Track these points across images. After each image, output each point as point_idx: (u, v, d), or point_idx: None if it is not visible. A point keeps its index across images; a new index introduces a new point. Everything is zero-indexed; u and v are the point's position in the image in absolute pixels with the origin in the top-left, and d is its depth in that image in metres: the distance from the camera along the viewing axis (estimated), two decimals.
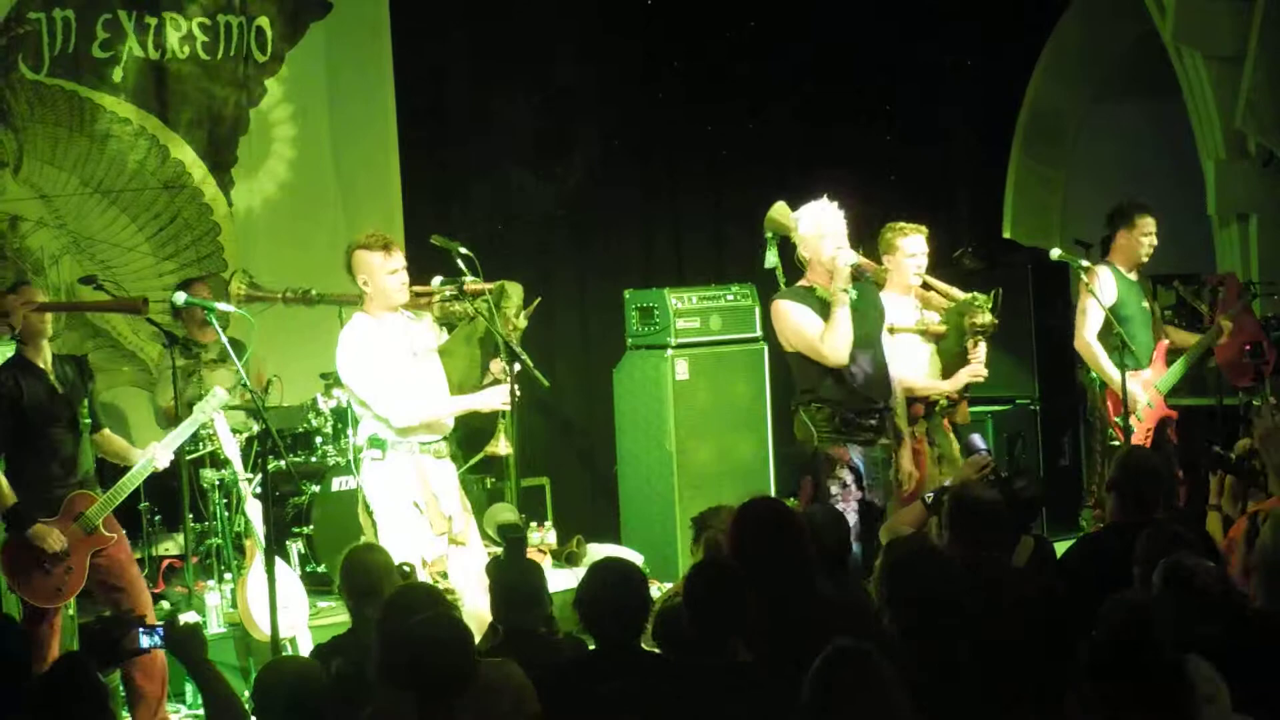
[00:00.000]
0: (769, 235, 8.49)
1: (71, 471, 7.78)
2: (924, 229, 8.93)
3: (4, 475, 7.65)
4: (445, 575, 7.69)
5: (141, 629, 5.47)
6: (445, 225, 8.39)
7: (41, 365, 7.77)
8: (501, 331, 7.80)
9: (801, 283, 8.38)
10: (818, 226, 8.27)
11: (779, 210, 8.52)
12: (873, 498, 8.17)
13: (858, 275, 8.22)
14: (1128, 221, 9.64)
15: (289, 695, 5.15)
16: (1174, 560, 5.45)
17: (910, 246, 8.84)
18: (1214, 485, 8.33)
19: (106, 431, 8.16)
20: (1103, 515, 8.52)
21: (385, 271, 7.80)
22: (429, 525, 7.81)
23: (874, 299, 8.46)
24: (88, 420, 7.86)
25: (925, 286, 9.01)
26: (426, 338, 8.03)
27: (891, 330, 8.62)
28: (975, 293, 8.94)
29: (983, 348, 8.83)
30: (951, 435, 8.85)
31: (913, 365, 8.78)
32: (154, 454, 7.84)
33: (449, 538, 7.87)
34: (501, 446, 7.90)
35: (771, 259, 8.54)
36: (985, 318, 8.79)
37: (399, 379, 7.80)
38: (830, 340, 8.17)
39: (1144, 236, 9.59)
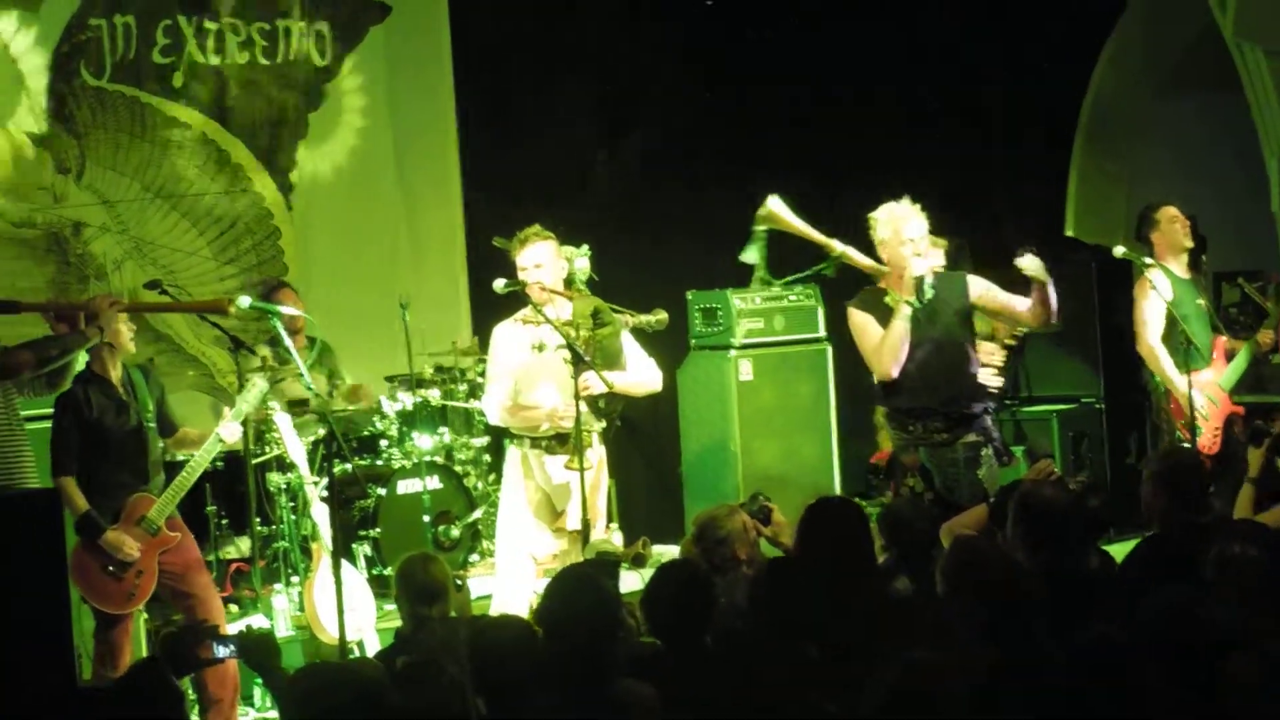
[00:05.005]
0: (757, 229, 8.50)
1: (142, 478, 7.82)
2: None
3: (76, 483, 7.70)
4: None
5: (216, 639, 5.54)
6: (506, 227, 8.38)
7: (112, 379, 7.81)
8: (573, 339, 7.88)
9: (881, 284, 8.31)
10: (895, 232, 8.16)
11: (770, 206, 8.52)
12: (955, 498, 7.95)
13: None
14: (1151, 224, 9.57)
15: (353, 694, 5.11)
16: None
17: None
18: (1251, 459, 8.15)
19: (185, 430, 8.18)
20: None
21: (519, 269, 8.08)
22: (536, 520, 8.11)
23: (952, 296, 8.22)
24: (152, 425, 7.90)
25: None
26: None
27: None
28: None
29: None
30: None
31: None
32: (219, 433, 7.87)
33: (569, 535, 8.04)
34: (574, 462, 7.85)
35: (752, 255, 8.55)
36: None
37: (517, 375, 8.13)
38: (879, 354, 8.13)
39: (1173, 223, 9.52)
